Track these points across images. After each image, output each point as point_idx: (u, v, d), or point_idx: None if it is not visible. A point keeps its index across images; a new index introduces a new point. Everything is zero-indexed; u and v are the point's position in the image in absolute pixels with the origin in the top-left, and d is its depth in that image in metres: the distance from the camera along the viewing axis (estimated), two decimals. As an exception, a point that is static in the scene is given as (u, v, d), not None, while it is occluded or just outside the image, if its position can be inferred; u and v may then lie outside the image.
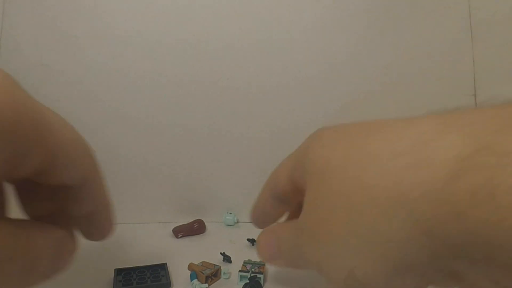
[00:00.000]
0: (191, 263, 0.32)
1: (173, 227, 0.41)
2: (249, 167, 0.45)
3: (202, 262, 0.32)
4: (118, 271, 0.30)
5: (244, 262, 0.32)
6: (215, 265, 0.32)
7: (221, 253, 0.35)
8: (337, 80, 0.47)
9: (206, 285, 0.29)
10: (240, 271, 0.31)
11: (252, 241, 0.38)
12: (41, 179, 0.16)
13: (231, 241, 0.39)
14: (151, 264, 0.31)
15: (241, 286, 0.30)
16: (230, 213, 0.44)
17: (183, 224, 0.42)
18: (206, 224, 0.43)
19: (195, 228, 0.42)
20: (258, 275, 0.30)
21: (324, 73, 0.47)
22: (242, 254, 0.35)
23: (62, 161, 0.16)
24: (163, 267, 0.31)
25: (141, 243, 0.38)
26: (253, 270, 0.31)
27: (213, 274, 0.30)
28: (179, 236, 0.40)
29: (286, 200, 0.23)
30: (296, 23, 0.47)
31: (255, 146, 0.46)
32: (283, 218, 0.25)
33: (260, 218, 0.26)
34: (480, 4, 0.47)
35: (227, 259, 0.34)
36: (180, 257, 0.34)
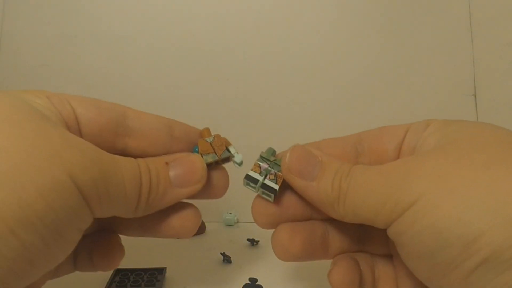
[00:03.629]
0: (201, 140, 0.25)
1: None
2: (249, 167, 0.45)
3: (214, 137, 0.24)
4: (117, 271, 0.30)
5: (260, 157, 0.23)
6: (226, 151, 0.24)
7: (221, 253, 0.35)
8: (335, 80, 0.47)
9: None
10: (251, 171, 0.23)
11: (252, 241, 0.38)
12: None
13: (231, 241, 0.40)
14: (150, 267, 0.31)
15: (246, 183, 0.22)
16: (230, 213, 0.44)
17: (183, 224, 0.42)
18: (206, 224, 0.43)
19: (195, 228, 0.42)
20: (270, 187, 0.22)
21: (322, 72, 0.47)
22: (242, 254, 0.35)
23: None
24: (161, 271, 0.31)
25: (142, 243, 0.38)
26: (269, 172, 0.22)
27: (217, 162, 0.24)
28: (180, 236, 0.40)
29: (368, 154, 0.23)
30: (296, 24, 0.47)
31: (255, 146, 0.46)
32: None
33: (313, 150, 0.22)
34: (480, 4, 0.47)
35: (227, 259, 0.34)
36: (180, 258, 0.34)
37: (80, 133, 0.22)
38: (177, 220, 0.23)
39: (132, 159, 0.21)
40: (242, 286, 0.30)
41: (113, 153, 0.20)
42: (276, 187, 0.22)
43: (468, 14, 0.47)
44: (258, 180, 0.22)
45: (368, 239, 0.24)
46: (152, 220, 0.23)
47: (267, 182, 0.22)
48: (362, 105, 0.47)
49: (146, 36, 0.46)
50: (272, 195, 0.22)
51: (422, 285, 0.20)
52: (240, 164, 0.25)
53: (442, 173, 0.17)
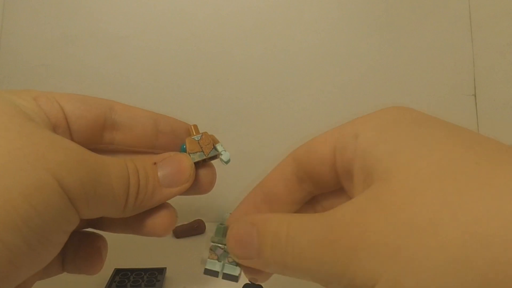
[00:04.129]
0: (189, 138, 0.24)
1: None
2: (249, 167, 0.45)
3: (202, 135, 0.24)
4: (117, 271, 0.30)
5: (211, 242, 0.23)
6: (213, 149, 0.24)
7: (221, 253, 0.35)
8: (335, 79, 0.47)
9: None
10: (208, 261, 0.22)
11: (252, 241, 0.38)
12: None
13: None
14: (151, 267, 0.31)
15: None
16: (230, 213, 0.44)
17: (183, 224, 0.42)
18: (206, 224, 0.43)
19: (195, 228, 0.42)
20: (232, 275, 0.22)
21: (323, 72, 0.47)
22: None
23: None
24: (161, 271, 0.31)
25: (141, 243, 0.38)
26: (226, 256, 0.22)
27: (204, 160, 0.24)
28: (179, 236, 0.40)
29: (309, 180, 0.21)
30: (296, 24, 0.47)
31: (255, 146, 0.46)
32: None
33: (257, 203, 0.22)
34: (480, 4, 0.47)
35: (227, 259, 0.34)
36: (180, 258, 0.34)
37: (69, 130, 0.22)
38: (153, 219, 0.23)
39: (120, 159, 0.21)
40: (242, 286, 0.30)
41: (101, 146, 0.20)
42: (238, 271, 0.21)
43: (468, 14, 0.47)
44: (218, 272, 0.22)
45: None
46: (133, 218, 0.23)
47: (226, 270, 0.22)
48: (362, 105, 0.47)
49: (146, 36, 0.46)
50: (236, 282, 0.22)
51: None
52: (227, 162, 0.25)
53: (389, 241, 0.14)
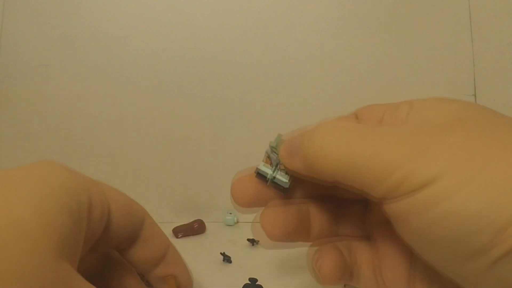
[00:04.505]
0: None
1: (173, 227, 0.41)
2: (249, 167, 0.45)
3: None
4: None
5: (270, 146, 0.22)
6: None
7: (221, 253, 0.35)
8: (335, 80, 0.47)
9: None
10: (261, 164, 0.21)
11: (252, 241, 0.38)
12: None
13: (231, 241, 0.40)
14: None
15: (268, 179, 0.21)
16: (230, 213, 0.44)
17: (183, 224, 0.42)
18: (206, 224, 0.43)
19: (195, 228, 0.42)
20: (279, 184, 0.21)
21: (323, 72, 0.47)
22: (242, 254, 0.35)
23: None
24: None
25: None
26: (279, 163, 0.21)
27: None
28: (179, 236, 0.40)
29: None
30: (297, 24, 0.47)
31: (255, 146, 0.46)
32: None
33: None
34: (480, 4, 0.47)
35: (227, 259, 0.34)
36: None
37: (100, 232, 0.21)
38: None
39: None
40: (242, 286, 0.30)
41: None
42: (286, 180, 0.21)
43: (468, 14, 0.47)
44: (266, 178, 0.21)
45: (343, 219, 0.23)
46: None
47: (277, 177, 0.21)
48: (362, 105, 0.47)
49: (146, 36, 0.46)
50: (283, 192, 0.21)
51: (407, 264, 0.20)
52: None
53: (469, 148, 0.15)
